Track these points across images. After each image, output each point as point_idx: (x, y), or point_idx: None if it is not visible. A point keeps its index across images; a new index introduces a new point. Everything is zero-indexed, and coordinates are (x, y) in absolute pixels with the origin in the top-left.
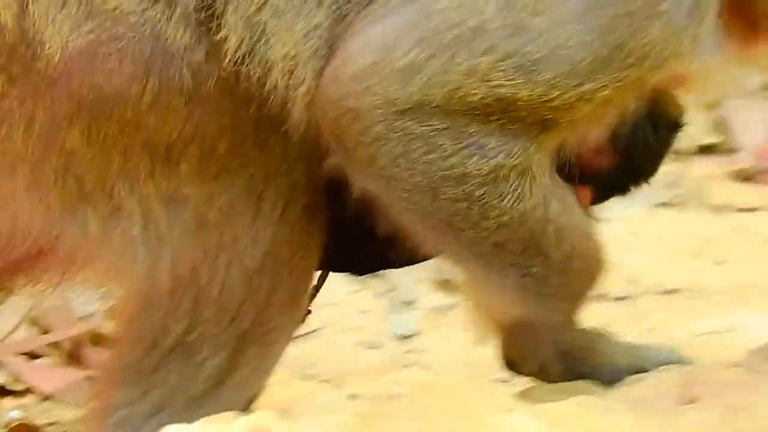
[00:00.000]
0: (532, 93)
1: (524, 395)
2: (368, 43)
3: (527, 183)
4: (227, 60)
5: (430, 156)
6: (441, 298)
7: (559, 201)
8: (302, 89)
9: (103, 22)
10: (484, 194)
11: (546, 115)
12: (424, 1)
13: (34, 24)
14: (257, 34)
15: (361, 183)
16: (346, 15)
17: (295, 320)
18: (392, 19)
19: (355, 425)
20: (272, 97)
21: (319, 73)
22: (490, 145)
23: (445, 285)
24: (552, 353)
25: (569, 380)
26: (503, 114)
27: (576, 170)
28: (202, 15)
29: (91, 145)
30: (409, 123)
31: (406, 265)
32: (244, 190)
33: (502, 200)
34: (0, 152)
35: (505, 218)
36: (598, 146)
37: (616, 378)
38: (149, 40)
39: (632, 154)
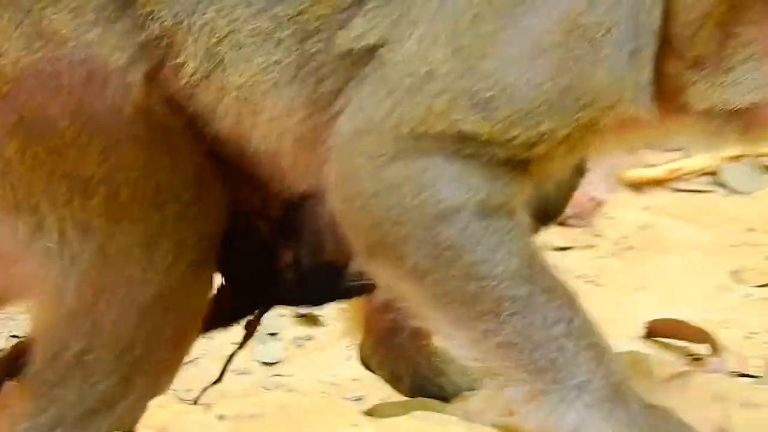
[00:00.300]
0: (492, 129)
1: (371, 412)
2: (350, 113)
3: (517, 225)
4: (183, 82)
5: (421, 196)
6: (300, 330)
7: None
8: (263, 117)
9: (47, 44)
10: (484, 227)
11: (516, 153)
12: (388, 62)
13: None
14: (215, 63)
15: (368, 257)
16: (313, 54)
17: (182, 355)
18: (367, 81)
19: None
20: (224, 120)
21: (289, 107)
22: (472, 181)
23: (304, 319)
24: (408, 370)
25: (414, 395)
26: (477, 153)
27: None
28: (163, 42)
29: (22, 161)
30: (393, 171)
31: (354, 297)
32: (139, 238)
33: (500, 236)
34: None
35: (515, 262)
36: None
37: (453, 394)
38: (85, 64)
39: (540, 198)
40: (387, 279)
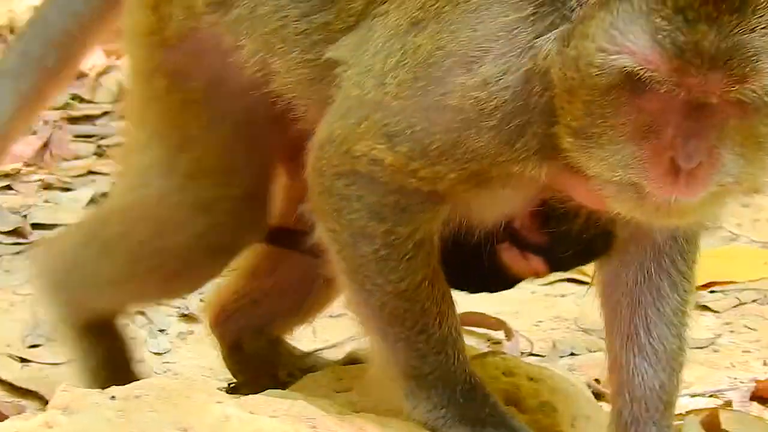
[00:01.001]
0: (395, 160)
1: (233, 391)
2: (323, 121)
3: (420, 255)
4: (244, 62)
5: (352, 216)
6: (184, 327)
7: (442, 286)
8: (308, 101)
9: (191, 17)
10: (387, 254)
11: (423, 185)
12: (342, 82)
13: None
14: (267, 50)
15: (319, 228)
16: (334, 62)
17: (165, 296)
18: (336, 97)
19: (112, 417)
20: (278, 103)
21: (324, 100)
22: (385, 213)
23: (187, 317)
24: (274, 368)
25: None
26: (392, 180)
27: (524, 241)
28: (240, 27)
29: (163, 99)
30: (340, 184)
31: None
32: (195, 200)
33: (396, 263)
34: None
35: (403, 285)
36: (531, 225)
37: (296, 376)
38: (208, 39)
39: (561, 239)
40: (320, 233)
